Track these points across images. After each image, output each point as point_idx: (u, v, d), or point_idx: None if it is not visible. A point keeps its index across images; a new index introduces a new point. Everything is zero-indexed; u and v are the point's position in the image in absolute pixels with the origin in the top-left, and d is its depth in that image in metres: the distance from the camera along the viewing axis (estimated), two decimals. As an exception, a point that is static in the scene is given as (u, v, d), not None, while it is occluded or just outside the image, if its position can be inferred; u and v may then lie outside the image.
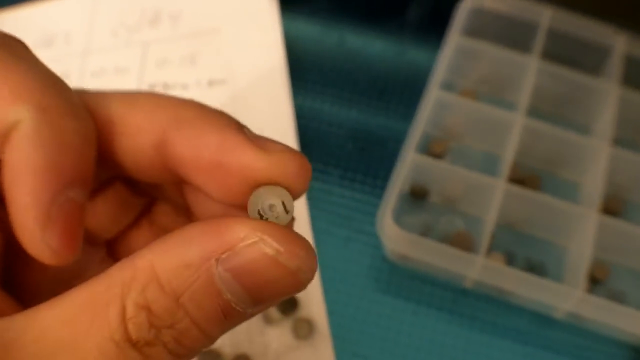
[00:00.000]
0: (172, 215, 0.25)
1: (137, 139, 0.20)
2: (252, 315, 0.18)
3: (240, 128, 0.20)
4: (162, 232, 0.25)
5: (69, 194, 0.19)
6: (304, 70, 0.44)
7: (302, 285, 0.18)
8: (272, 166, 0.19)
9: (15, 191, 0.18)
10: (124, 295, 0.17)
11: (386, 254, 0.38)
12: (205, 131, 0.20)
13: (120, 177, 0.24)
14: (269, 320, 0.36)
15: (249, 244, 0.17)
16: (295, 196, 0.20)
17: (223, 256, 0.17)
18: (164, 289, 0.17)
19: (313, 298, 0.37)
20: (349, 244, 0.38)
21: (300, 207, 0.39)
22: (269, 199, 0.19)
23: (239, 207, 0.21)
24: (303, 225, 0.39)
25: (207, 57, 0.44)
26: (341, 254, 0.38)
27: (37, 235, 0.18)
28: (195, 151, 0.20)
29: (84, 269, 0.24)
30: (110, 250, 0.25)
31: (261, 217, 0.19)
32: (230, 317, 0.18)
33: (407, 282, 0.38)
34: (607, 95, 0.40)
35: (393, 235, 0.35)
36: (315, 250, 0.20)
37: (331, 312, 0.36)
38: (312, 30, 0.46)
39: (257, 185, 0.19)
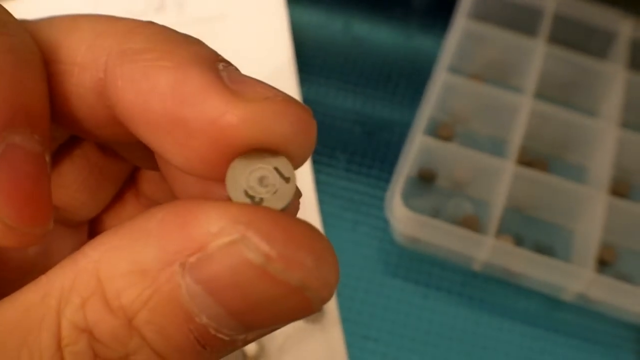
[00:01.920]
0: (161, 183, 0.19)
1: (74, 79, 0.14)
2: (246, 342, 0.13)
3: (212, 63, 0.13)
4: (152, 206, 0.18)
5: (11, 139, 0.13)
6: (310, 57, 0.44)
7: (313, 307, 0.12)
8: (253, 121, 0.12)
9: None
10: (60, 311, 0.12)
11: (395, 237, 0.38)
12: (157, 68, 0.13)
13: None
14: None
15: (226, 243, 0.12)
16: (294, 164, 0.13)
17: (191, 260, 0.12)
18: (110, 306, 0.12)
19: (322, 281, 0.37)
20: (358, 228, 0.38)
21: (308, 192, 0.39)
22: (257, 168, 0.13)
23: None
24: (311, 213, 0.38)
25: (213, 44, 0.44)
26: (350, 238, 0.38)
27: None
28: (141, 98, 0.13)
29: (58, 258, 0.17)
30: (93, 232, 0.20)
31: (251, 198, 0.13)
32: (212, 348, 0.12)
33: (416, 265, 0.38)
34: (614, 79, 0.40)
35: (402, 217, 0.35)
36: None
37: (340, 296, 0.36)
38: (317, 16, 0.46)
39: (237, 149, 0.13)
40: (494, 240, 0.34)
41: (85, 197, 0.18)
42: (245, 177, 0.13)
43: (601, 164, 0.38)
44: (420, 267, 0.38)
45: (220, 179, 0.13)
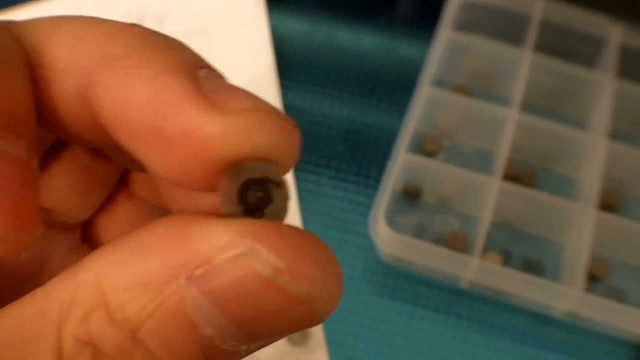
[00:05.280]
0: (152, 184, 0.19)
1: (56, 85, 0.14)
2: (249, 352, 0.13)
3: (192, 70, 0.13)
4: (144, 206, 0.19)
5: None
6: (293, 69, 0.43)
7: (318, 318, 0.12)
8: (232, 133, 0.12)
9: None
10: (62, 324, 0.12)
11: (380, 255, 0.37)
12: (135, 76, 0.13)
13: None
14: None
15: (233, 257, 0.12)
16: (280, 171, 0.13)
17: (197, 272, 0.12)
18: (113, 318, 0.12)
19: (306, 303, 0.36)
20: (342, 247, 0.38)
21: (292, 212, 0.38)
22: (247, 182, 0.13)
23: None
24: (295, 228, 0.38)
25: (194, 58, 0.43)
26: (334, 257, 0.37)
27: None
28: (120, 107, 0.13)
29: (50, 262, 0.18)
30: (86, 235, 0.19)
31: (248, 212, 0.13)
32: (216, 358, 0.13)
33: (402, 284, 0.37)
34: (603, 88, 0.39)
35: (386, 237, 0.34)
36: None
37: (325, 317, 0.36)
38: (300, 27, 0.45)
39: (220, 161, 0.12)
40: (480, 261, 0.34)
41: (77, 199, 0.18)
42: (236, 189, 0.13)
43: (590, 176, 0.38)
44: (406, 286, 0.37)
45: (204, 189, 0.13)
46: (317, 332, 0.35)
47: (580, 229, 0.36)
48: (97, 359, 0.12)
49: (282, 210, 0.13)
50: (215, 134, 0.12)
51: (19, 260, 0.17)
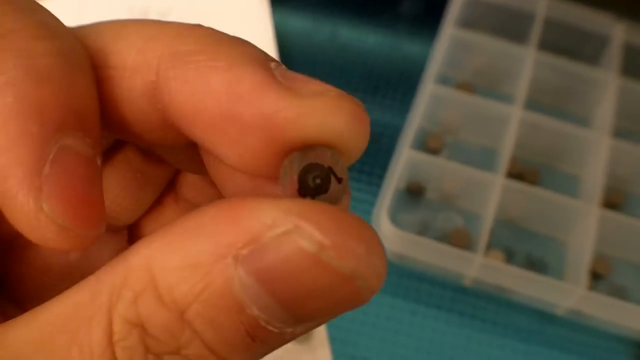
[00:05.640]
0: (201, 186, 0.19)
1: (124, 83, 0.15)
2: (294, 336, 0.13)
3: (264, 62, 0.13)
4: (191, 209, 0.19)
5: (63, 142, 0.13)
6: (296, 66, 0.43)
7: (362, 298, 0.12)
8: (309, 116, 0.12)
9: None
10: (112, 307, 0.12)
11: (383, 253, 0.37)
12: (210, 68, 0.13)
13: (130, 142, 0.18)
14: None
15: (279, 234, 0.12)
16: (348, 159, 0.13)
17: (243, 252, 0.12)
18: (162, 300, 0.12)
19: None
20: (345, 244, 0.38)
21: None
22: (311, 166, 0.13)
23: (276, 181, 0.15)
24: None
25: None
26: (337, 254, 0.37)
27: (30, 206, 0.13)
28: (195, 98, 0.14)
29: (98, 263, 0.18)
30: (132, 237, 0.20)
31: (302, 195, 0.13)
32: (261, 341, 0.13)
33: (405, 281, 0.37)
34: (606, 86, 0.39)
35: (389, 235, 0.34)
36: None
37: (328, 314, 0.36)
38: (303, 24, 0.45)
39: (292, 146, 0.13)
40: (483, 258, 0.34)
41: (127, 201, 0.18)
42: (298, 174, 0.13)
43: (594, 173, 0.37)
44: (410, 283, 0.37)
45: (273, 177, 0.13)
46: (320, 329, 0.35)
47: (584, 227, 0.36)
48: (145, 340, 0.12)
49: (335, 199, 0.13)
50: (294, 116, 0.12)
51: (66, 259, 0.17)
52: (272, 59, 0.14)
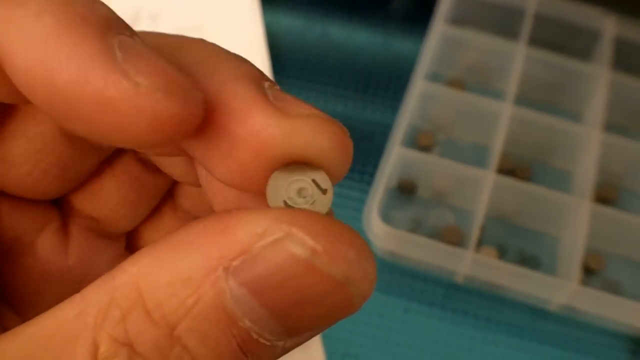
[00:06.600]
0: (198, 197, 0.19)
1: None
2: (285, 351, 0.13)
3: (257, 81, 0.14)
4: (189, 219, 0.20)
5: (119, 38, 0.13)
6: (287, 65, 0.43)
7: (354, 304, 0.12)
8: (295, 135, 0.13)
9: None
10: (98, 326, 0.12)
11: (375, 250, 0.37)
12: (207, 81, 0.14)
13: (129, 151, 0.18)
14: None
15: (271, 242, 0.12)
16: (332, 178, 0.14)
17: (234, 263, 0.12)
18: (151, 317, 0.12)
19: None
20: (337, 242, 0.38)
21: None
22: (296, 180, 0.14)
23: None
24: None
25: (188, 56, 0.43)
26: (329, 253, 0.37)
27: (125, 85, 0.12)
28: None
29: (96, 269, 0.19)
30: (130, 245, 0.20)
31: (289, 207, 0.14)
32: (253, 354, 0.12)
33: (397, 278, 0.37)
34: (598, 80, 0.39)
35: (380, 232, 0.34)
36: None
37: (320, 312, 0.36)
38: (294, 23, 0.45)
39: (278, 162, 0.14)
40: (475, 254, 0.33)
41: (125, 210, 0.19)
42: (284, 188, 0.13)
43: (586, 168, 0.37)
44: (402, 280, 0.37)
45: (259, 192, 0.14)
46: (313, 327, 0.35)
47: (576, 222, 0.36)
48: (134, 357, 0.12)
49: (322, 208, 0.14)
50: (280, 134, 0.13)
51: (64, 265, 0.18)
52: (267, 79, 0.14)
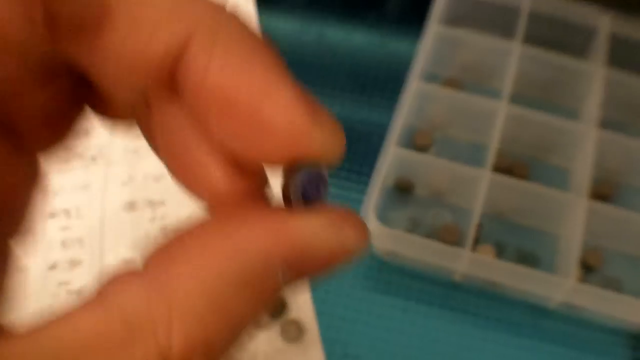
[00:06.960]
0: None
1: (147, 38, 0.14)
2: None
3: (290, 76, 0.15)
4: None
5: None
6: (284, 67, 0.43)
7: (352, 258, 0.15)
8: (325, 140, 0.14)
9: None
10: (140, 338, 0.12)
11: (373, 250, 0.37)
12: (250, 62, 0.14)
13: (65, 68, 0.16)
14: (257, 324, 0.35)
15: (326, 237, 0.15)
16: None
17: (292, 255, 0.14)
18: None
19: (301, 299, 0.36)
20: (336, 243, 0.38)
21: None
22: (313, 176, 0.15)
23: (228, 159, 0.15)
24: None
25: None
26: (328, 253, 0.37)
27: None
28: (232, 85, 0.14)
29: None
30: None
31: (305, 198, 0.16)
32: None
33: (395, 278, 0.37)
34: (594, 77, 0.39)
35: (377, 232, 0.34)
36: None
37: (320, 313, 0.36)
38: (290, 26, 0.45)
39: (294, 157, 0.15)
40: (473, 253, 0.33)
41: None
42: (300, 179, 0.15)
43: (583, 165, 0.37)
44: (400, 280, 0.37)
45: (253, 172, 0.16)
46: (312, 328, 0.35)
47: (574, 219, 0.36)
48: None
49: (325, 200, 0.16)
50: (316, 137, 0.14)
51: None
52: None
